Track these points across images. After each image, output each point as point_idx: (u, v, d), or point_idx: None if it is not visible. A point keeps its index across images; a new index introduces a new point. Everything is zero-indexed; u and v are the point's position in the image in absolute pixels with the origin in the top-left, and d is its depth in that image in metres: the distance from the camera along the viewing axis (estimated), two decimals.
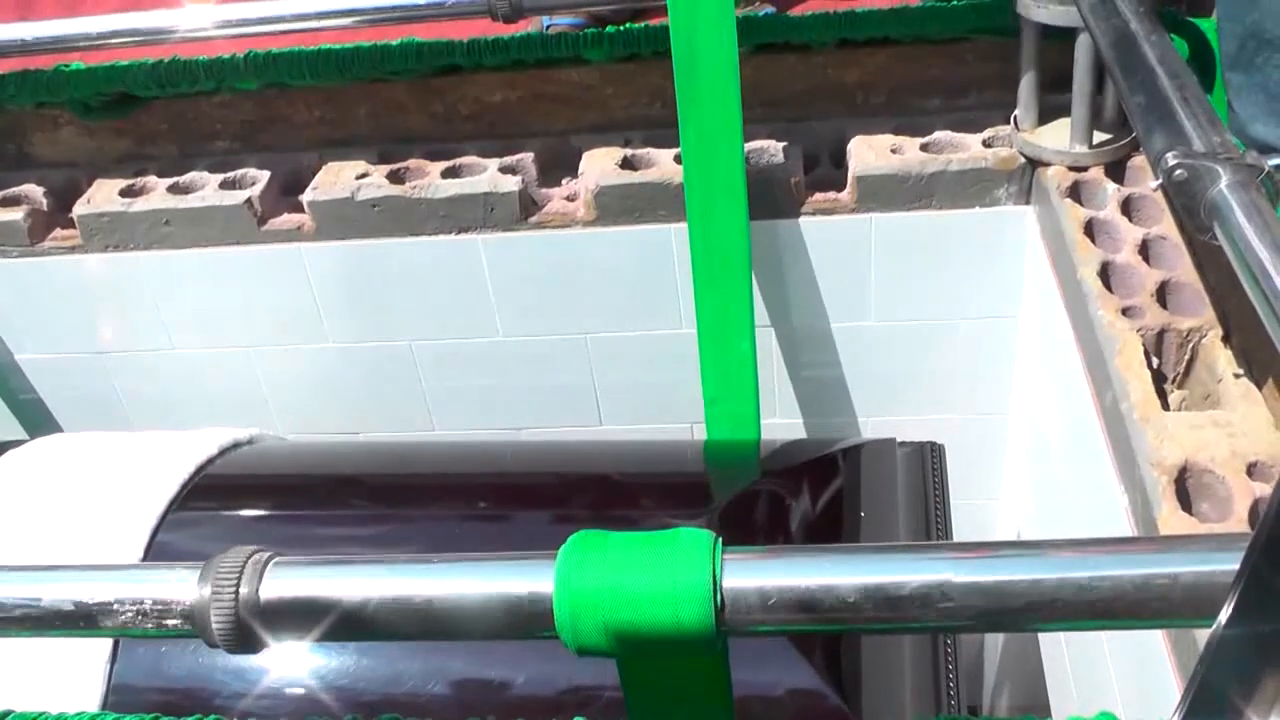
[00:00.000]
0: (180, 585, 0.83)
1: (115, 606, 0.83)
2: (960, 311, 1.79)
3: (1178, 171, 1.00)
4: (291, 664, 1.32)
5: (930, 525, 1.43)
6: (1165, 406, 1.26)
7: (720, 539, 0.79)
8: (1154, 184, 1.04)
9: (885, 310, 1.79)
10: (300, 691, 1.30)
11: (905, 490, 1.48)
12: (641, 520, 1.48)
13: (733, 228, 1.62)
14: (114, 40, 1.75)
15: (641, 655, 0.77)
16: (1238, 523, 1.10)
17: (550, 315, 1.85)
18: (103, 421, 2.10)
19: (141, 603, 0.83)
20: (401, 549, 1.43)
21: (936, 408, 1.91)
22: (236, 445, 1.58)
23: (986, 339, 1.81)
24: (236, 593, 0.82)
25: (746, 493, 1.50)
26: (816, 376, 1.88)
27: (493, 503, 1.56)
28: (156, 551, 1.40)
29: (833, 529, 1.41)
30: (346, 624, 0.81)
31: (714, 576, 0.76)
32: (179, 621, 0.83)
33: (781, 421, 1.93)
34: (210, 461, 1.53)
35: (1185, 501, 1.14)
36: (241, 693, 1.32)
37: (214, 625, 0.82)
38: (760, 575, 0.76)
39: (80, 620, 0.84)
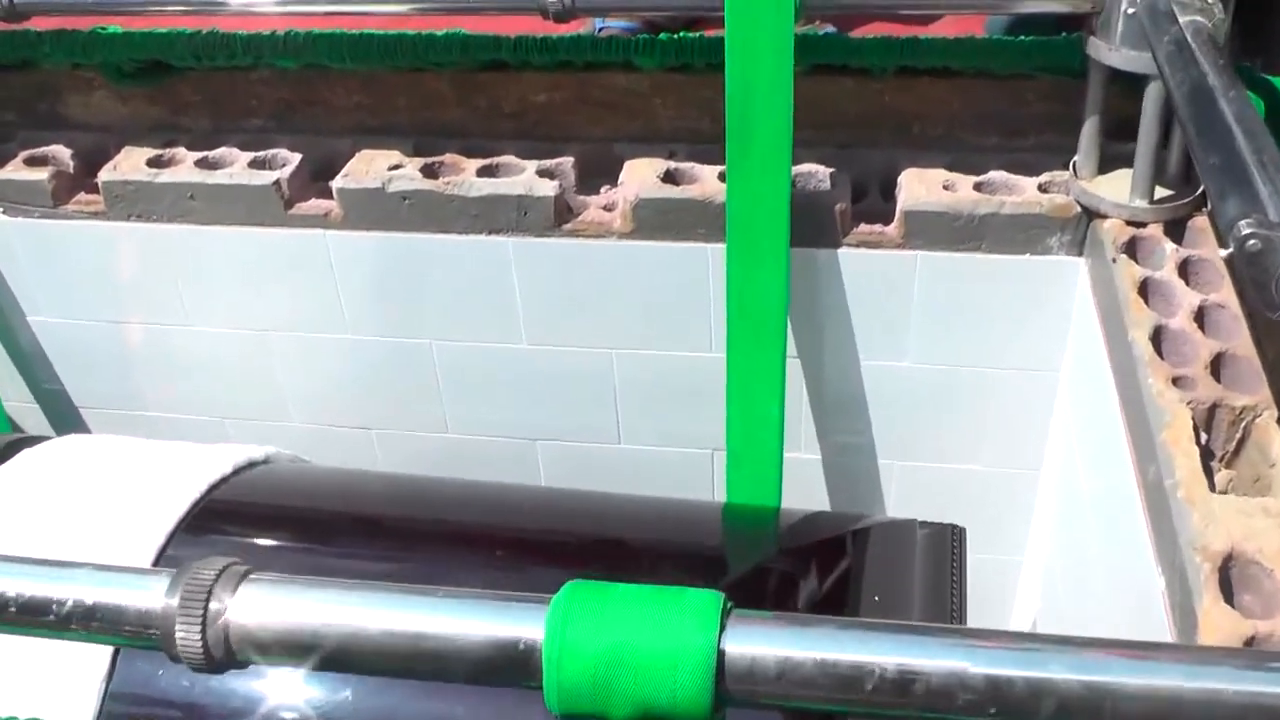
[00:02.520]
0: (147, 592, 0.78)
1: (72, 607, 0.78)
2: (1000, 360, 1.72)
3: (1251, 242, 0.93)
4: (296, 690, 1.27)
5: (947, 615, 1.37)
6: (1212, 486, 1.19)
7: (730, 602, 0.73)
8: (1224, 252, 0.97)
9: (923, 351, 1.73)
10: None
11: (922, 577, 1.42)
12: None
13: (773, 255, 1.56)
14: (156, 7, 1.71)
15: None
16: None
17: (577, 327, 1.79)
18: (115, 394, 2.06)
19: (102, 606, 0.78)
20: None
21: (966, 456, 1.84)
22: (251, 465, 1.55)
23: (1025, 391, 1.74)
24: (206, 606, 0.76)
25: (760, 568, 1.46)
26: (844, 413, 1.82)
27: (503, 554, 1.51)
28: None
29: (846, 611, 1.36)
30: (320, 650, 0.76)
31: (718, 641, 0.70)
32: (141, 631, 0.78)
33: (805, 456, 1.86)
34: (224, 480, 1.49)
35: (1228, 591, 1.07)
36: (240, 713, 1.27)
37: (179, 639, 0.77)
38: (770, 643, 0.71)
39: (36, 616, 0.79)
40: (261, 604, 0.77)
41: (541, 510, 1.63)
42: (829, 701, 0.70)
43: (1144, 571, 1.23)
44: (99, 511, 1.46)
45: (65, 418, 2.12)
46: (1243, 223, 0.95)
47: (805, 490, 1.89)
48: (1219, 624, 1.04)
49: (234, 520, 1.51)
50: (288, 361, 1.94)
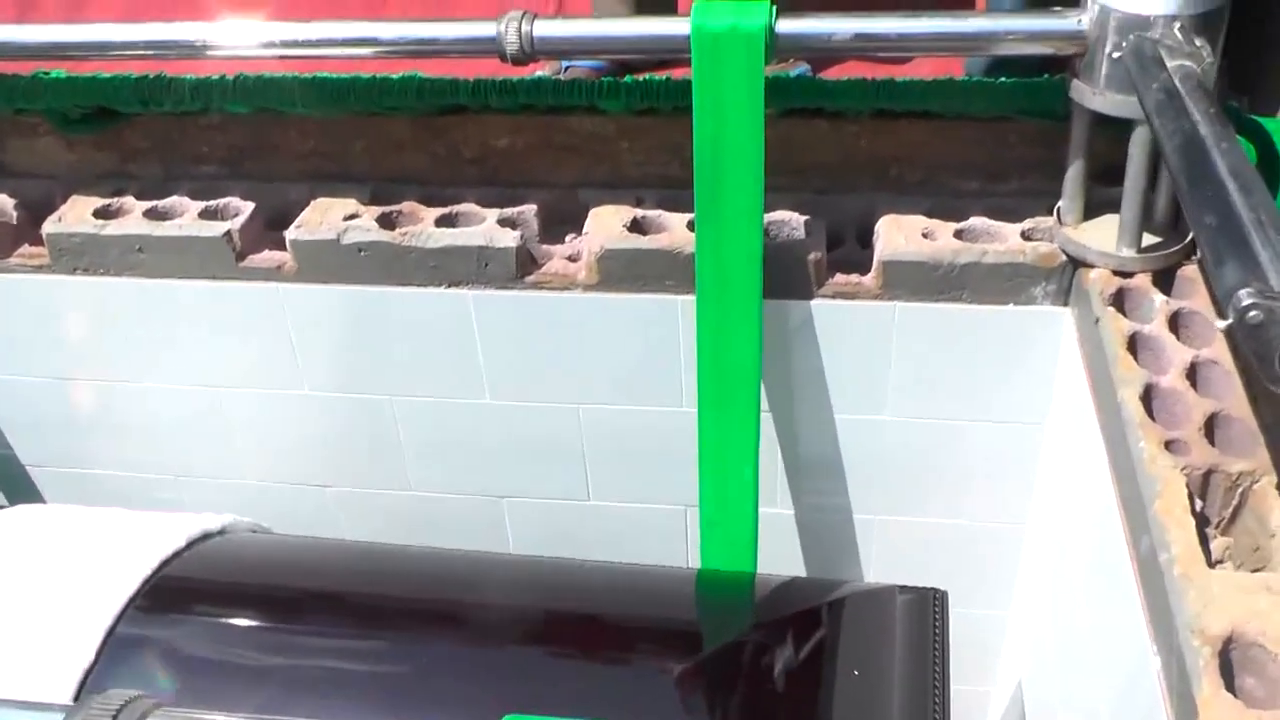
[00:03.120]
0: None
1: None
2: (982, 413, 1.65)
3: (1252, 314, 0.87)
4: None
5: (929, 685, 1.30)
6: (1208, 554, 1.12)
7: None
8: (1222, 324, 0.90)
9: (902, 405, 1.66)
10: None
11: (904, 646, 1.35)
12: (618, 665, 1.38)
13: (745, 307, 1.50)
14: (100, 52, 1.63)
15: None
16: None
17: (542, 381, 1.72)
18: (64, 454, 1.98)
19: None
20: (355, 682, 1.33)
21: (948, 511, 1.77)
22: (206, 536, 1.48)
23: (1009, 445, 1.67)
24: None
25: (735, 643, 1.39)
26: (821, 467, 1.75)
27: (466, 632, 1.45)
28: (112, 650, 1.31)
29: (824, 687, 1.29)
30: None
31: None
32: None
33: (781, 512, 1.79)
34: (177, 555, 1.43)
35: (1228, 676, 1.00)
36: None
37: None
38: None
39: None
40: None
41: (509, 583, 1.56)
42: None
43: (1137, 647, 1.16)
44: (47, 591, 1.40)
45: (14, 479, 2.04)
46: (1243, 292, 0.88)
47: (782, 547, 1.82)
48: (1219, 714, 0.97)
49: (186, 598, 1.44)
50: (243, 419, 1.86)
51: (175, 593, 1.43)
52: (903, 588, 1.46)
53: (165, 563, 1.43)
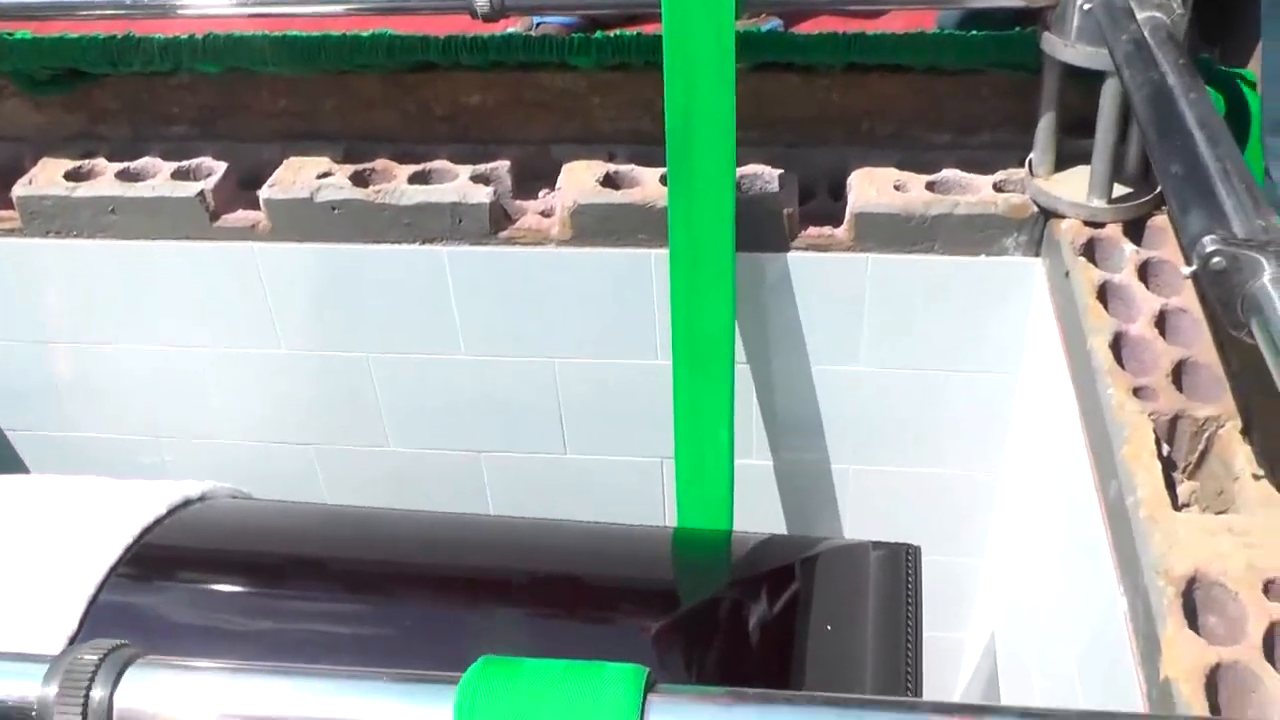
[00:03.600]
0: (21, 681, 0.71)
1: None
2: (956, 363, 1.66)
3: (1215, 260, 0.88)
4: None
5: (901, 638, 1.32)
6: (1174, 498, 1.14)
7: (652, 675, 0.67)
8: (1187, 270, 0.91)
9: (875, 356, 1.67)
10: None
11: (877, 601, 1.37)
12: (595, 623, 1.39)
13: (718, 261, 1.50)
14: (67, 12, 1.62)
15: None
16: (1250, 647, 0.98)
17: (517, 336, 1.72)
18: (42, 417, 1.98)
19: None
20: (338, 645, 1.34)
21: (923, 460, 1.79)
22: (187, 503, 1.48)
23: (982, 394, 1.69)
24: (87, 697, 0.70)
25: (710, 600, 1.40)
26: (796, 418, 1.76)
27: (444, 595, 1.45)
28: (95, 617, 1.31)
29: (798, 644, 1.30)
30: None
31: None
32: None
33: (756, 463, 1.81)
34: (158, 522, 1.43)
35: (1191, 615, 1.02)
36: None
37: None
38: None
39: None
40: (152, 692, 0.70)
41: (487, 543, 1.57)
42: None
43: (1105, 590, 1.18)
44: (27, 561, 1.39)
45: None
46: (1207, 239, 0.89)
47: (758, 498, 1.84)
48: (1182, 652, 0.99)
49: (169, 565, 1.44)
50: (220, 379, 1.86)
51: (157, 560, 1.43)
52: (876, 543, 1.47)
53: (147, 530, 1.43)
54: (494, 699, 0.65)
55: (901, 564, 1.41)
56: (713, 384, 1.56)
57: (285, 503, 1.74)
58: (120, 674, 0.70)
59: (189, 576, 1.45)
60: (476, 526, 1.64)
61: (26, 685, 0.70)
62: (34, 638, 1.27)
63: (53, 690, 0.70)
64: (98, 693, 0.69)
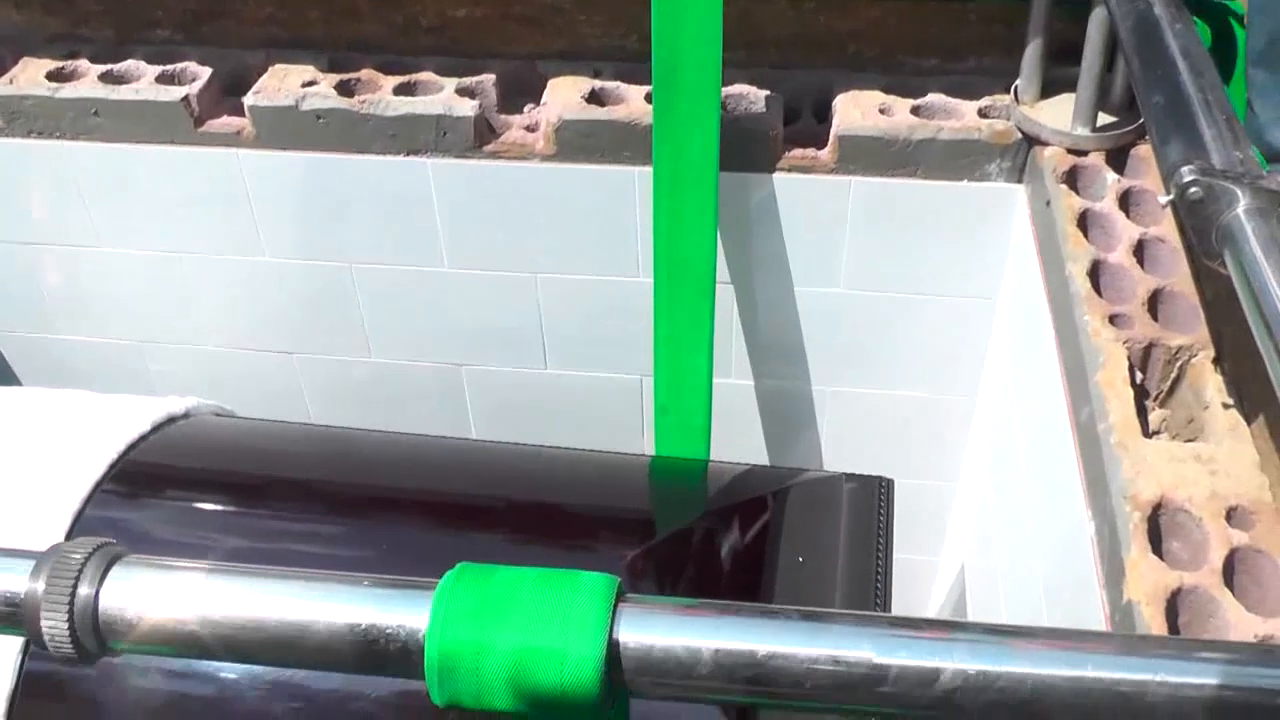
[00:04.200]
0: (7, 575, 0.72)
1: None
2: (935, 287, 1.67)
3: (1192, 189, 0.89)
4: None
5: (872, 568, 1.34)
6: (1145, 425, 1.16)
7: (622, 585, 0.68)
8: (1164, 199, 0.92)
9: (856, 278, 1.68)
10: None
11: (849, 532, 1.39)
12: (572, 550, 1.41)
13: (702, 180, 1.50)
14: None
15: (522, 716, 0.67)
16: (1211, 572, 1.01)
17: (500, 250, 1.73)
18: (24, 318, 1.98)
19: None
20: (317, 562, 1.35)
21: (901, 383, 1.80)
22: (171, 420, 1.48)
23: (960, 318, 1.70)
24: (74, 592, 0.71)
25: (686, 529, 1.42)
26: (777, 339, 1.77)
27: (423, 518, 1.47)
28: (80, 530, 1.31)
29: (769, 573, 1.32)
30: (194, 640, 0.71)
31: (608, 632, 0.65)
32: (3, 619, 0.72)
33: (736, 382, 1.82)
34: (143, 439, 1.43)
35: (1156, 540, 1.05)
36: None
37: (45, 627, 0.71)
38: (665, 632, 0.66)
39: None
40: (135, 589, 0.71)
41: (468, 469, 1.58)
42: (724, 693, 0.66)
43: (1074, 514, 1.20)
44: (12, 473, 1.40)
45: None
46: (1185, 169, 0.90)
47: (738, 418, 1.85)
48: (1145, 575, 1.01)
49: (152, 481, 1.45)
50: (204, 284, 1.86)
51: (142, 475, 1.43)
52: (849, 475, 1.49)
53: (132, 446, 1.43)
54: (470, 601, 0.67)
55: (874, 495, 1.42)
56: (693, 305, 1.57)
57: (268, 422, 1.75)
58: (106, 571, 0.71)
59: (172, 493, 1.46)
60: (457, 451, 1.65)
61: (14, 579, 0.71)
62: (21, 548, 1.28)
63: (40, 585, 0.71)
64: (84, 589, 0.70)
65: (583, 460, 1.58)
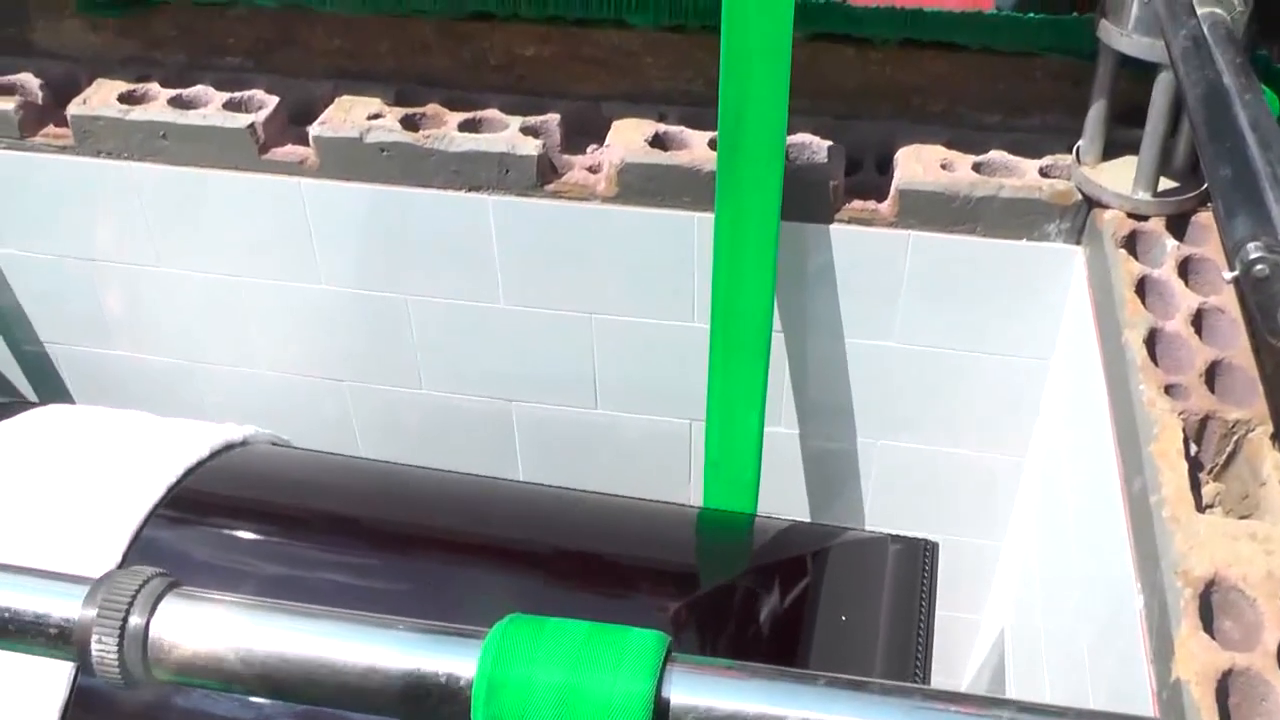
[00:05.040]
0: (64, 600, 0.73)
1: None
2: (989, 346, 1.67)
3: (1259, 267, 0.88)
4: None
5: (913, 631, 1.34)
6: (1198, 498, 1.15)
7: (672, 643, 0.68)
8: (1228, 275, 0.91)
9: (909, 333, 1.68)
10: None
11: (891, 594, 1.39)
12: (616, 599, 1.41)
13: (763, 228, 1.51)
14: None
15: None
16: (1264, 655, 0.99)
17: (556, 289, 1.74)
18: (81, 331, 2.00)
19: (13, 612, 0.73)
20: (363, 597, 1.37)
21: (950, 439, 1.79)
22: (229, 447, 1.51)
23: (1013, 377, 1.69)
24: (125, 620, 0.72)
25: (728, 585, 1.42)
26: (827, 389, 1.77)
27: (470, 560, 1.48)
28: (137, 553, 1.35)
29: (811, 632, 1.33)
30: (239, 675, 0.71)
31: (655, 690, 0.65)
32: (55, 642, 0.73)
33: (784, 430, 1.82)
34: (200, 464, 1.46)
35: (1207, 618, 1.03)
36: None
37: (94, 652, 0.72)
38: (713, 695, 0.66)
39: None
40: (185, 621, 0.72)
41: (516, 512, 1.59)
42: None
43: (1123, 586, 1.18)
44: (76, 494, 1.43)
45: (43, 373, 2.08)
46: (1251, 245, 0.89)
47: (783, 466, 1.85)
48: (1195, 654, 1.00)
49: (208, 508, 1.48)
50: (259, 309, 1.88)
51: (197, 502, 1.46)
52: (894, 536, 1.49)
53: (189, 471, 1.46)
54: (519, 653, 0.67)
55: (919, 558, 1.42)
56: (749, 364, 1.58)
57: (322, 454, 1.77)
58: (157, 602, 0.72)
59: (225, 522, 1.48)
60: (507, 493, 1.66)
61: (68, 605, 0.72)
62: (79, 570, 1.30)
63: (92, 612, 0.72)
64: (135, 619, 0.71)
65: (630, 509, 1.58)
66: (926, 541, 1.46)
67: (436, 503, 1.59)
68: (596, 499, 1.61)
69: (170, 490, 1.41)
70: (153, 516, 1.37)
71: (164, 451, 1.47)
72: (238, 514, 1.49)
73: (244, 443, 1.54)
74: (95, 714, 1.25)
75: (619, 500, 1.60)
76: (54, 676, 1.23)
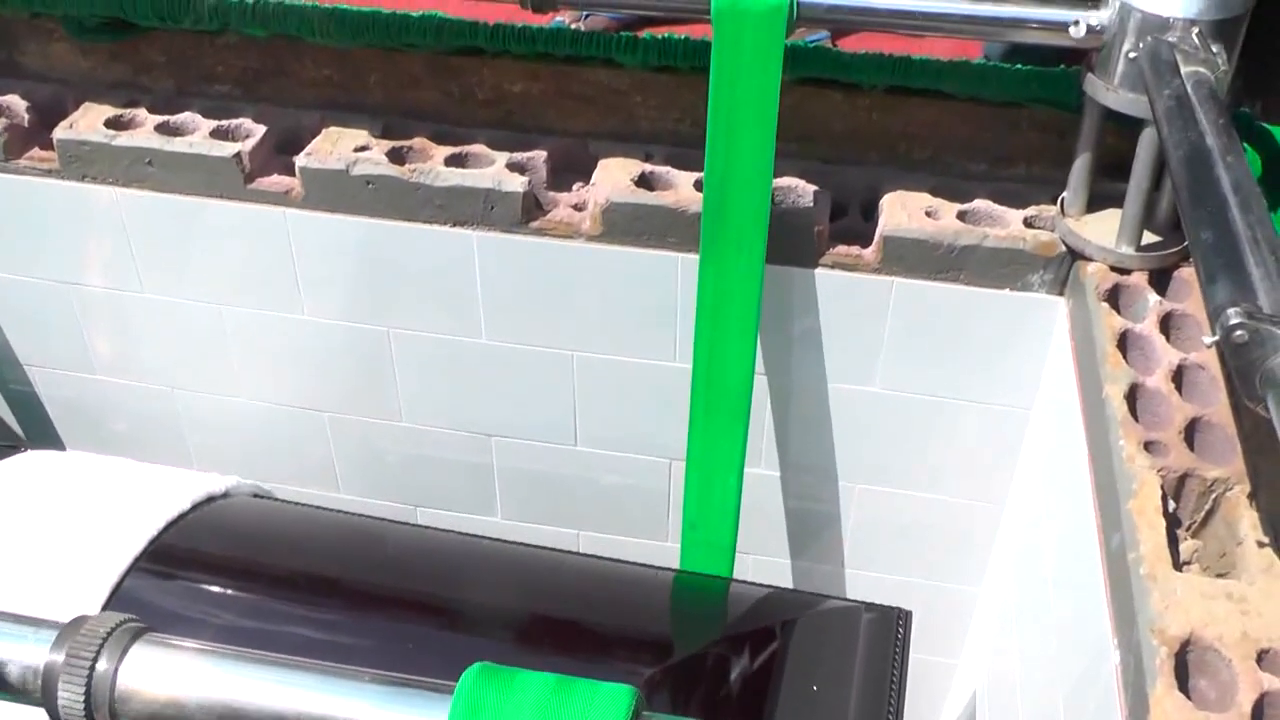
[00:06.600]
0: (29, 646, 0.72)
1: None
2: (970, 393, 1.67)
3: (1238, 333, 0.88)
4: None
5: (884, 701, 1.35)
6: (1176, 555, 1.15)
7: (642, 698, 0.68)
8: (1209, 340, 0.92)
9: (891, 379, 1.68)
10: None
11: (864, 664, 1.39)
12: (588, 664, 1.42)
13: (747, 270, 1.51)
14: None
15: None
16: (1238, 716, 0.99)
17: (538, 326, 1.73)
18: (63, 355, 2.00)
19: None
20: (336, 654, 1.36)
21: (929, 485, 1.80)
22: (210, 499, 1.51)
23: (993, 426, 1.69)
24: (92, 666, 0.71)
25: (700, 653, 1.43)
26: (808, 432, 1.77)
27: (444, 621, 1.49)
28: (116, 607, 1.34)
29: (783, 702, 1.33)
30: None
31: None
32: (22, 685, 0.72)
33: (764, 472, 1.81)
34: (182, 517, 1.46)
35: (1183, 677, 1.03)
36: None
37: (60, 699, 0.71)
38: None
39: None
40: (154, 668, 0.71)
41: (493, 573, 1.59)
42: None
43: (1099, 642, 1.18)
44: (56, 545, 1.42)
45: (31, 411, 2.07)
46: (1231, 311, 0.90)
47: (762, 509, 1.85)
48: (1170, 714, 1.00)
49: (187, 563, 1.48)
50: (241, 337, 1.87)
51: (177, 557, 1.46)
52: (868, 605, 1.50)
53: (170, 524, 1.46)
54: (488, 705, 0.67)
55: (892, 628, 1.43)
56: (729, 430, 1.59)
57: (303, 508, 1.76)
58: (127, 648, 0.72)
59: (203, 576, 1.49)
60: (484, 553, 1.66)
61: (35, 650, 0.72)
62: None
63: (60, 657, 0.71)
64: (103, 664, 0.71)
65: (606, 572, 1.59)
66: (900, 610, 1.46)
67: (413, 562, 1.59)
68: (575, 560, 1.61)
69: (151, 543, 1.41)
70: (133, 570, 1.37)
71: (145, 504, 1.47)
72: (216, 569, 1.50)
73: (225, 494, 1.55)
74: None
75: (596, 562, 1.60)
76: None
